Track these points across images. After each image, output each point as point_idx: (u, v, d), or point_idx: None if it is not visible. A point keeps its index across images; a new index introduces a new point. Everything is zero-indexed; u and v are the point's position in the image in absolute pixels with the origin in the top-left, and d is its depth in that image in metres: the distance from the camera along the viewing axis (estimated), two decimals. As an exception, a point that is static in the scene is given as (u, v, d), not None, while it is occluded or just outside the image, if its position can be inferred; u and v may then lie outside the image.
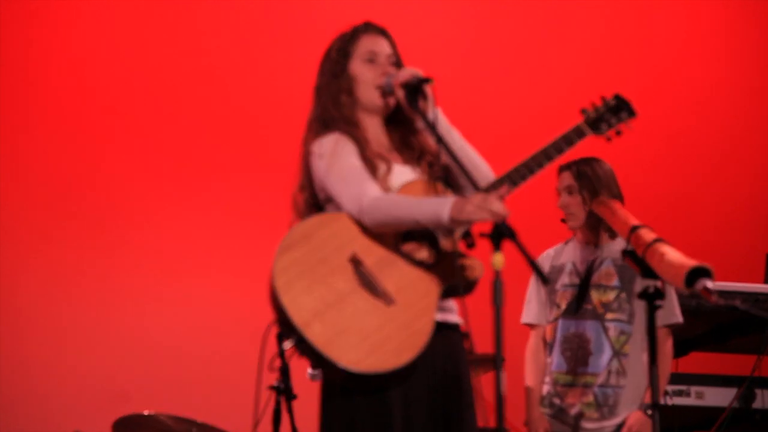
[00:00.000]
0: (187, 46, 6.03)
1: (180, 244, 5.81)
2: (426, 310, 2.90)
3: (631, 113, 3.26)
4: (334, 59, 3.20)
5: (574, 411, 4.21)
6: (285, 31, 6.10)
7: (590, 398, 4.19)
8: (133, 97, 5.93)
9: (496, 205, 2.81)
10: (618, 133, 3.24)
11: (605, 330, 4.23)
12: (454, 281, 2.93)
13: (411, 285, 2.91)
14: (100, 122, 5.88)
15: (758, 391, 4.83)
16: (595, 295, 4.26)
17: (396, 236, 2.95)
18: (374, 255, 2.92)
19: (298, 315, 2.83)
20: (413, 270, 2.93)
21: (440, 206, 2.87)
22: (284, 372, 4.19)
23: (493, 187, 2.96)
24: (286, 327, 2.87)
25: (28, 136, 5.80)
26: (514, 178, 3.01)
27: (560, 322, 4.29)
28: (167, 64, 6.00)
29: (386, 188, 3.02)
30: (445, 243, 2.96)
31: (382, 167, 3.06)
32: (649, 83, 6.47)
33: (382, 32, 3.23)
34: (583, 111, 3.21)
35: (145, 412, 4.38)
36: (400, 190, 3.02)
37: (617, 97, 3.25)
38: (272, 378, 4.21)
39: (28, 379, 5.53)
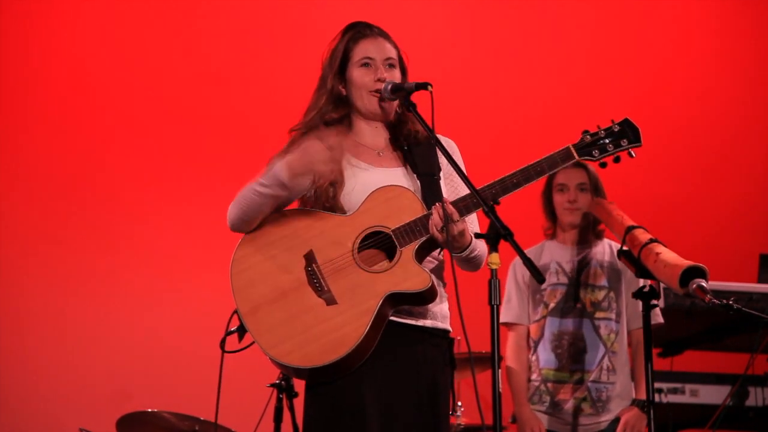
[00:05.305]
0: (188, 46, 6.07)
1: (182, 244, 5.85)
2: (364, 313, 2.92)
3: (636, 141, 3.04)
4: (330, 62, 3.17)
5: (568, 406, 4.26)
6: (285, 31, 6.12)
7: (584, 393, 4.24)
8: (133, 97, 5.96)
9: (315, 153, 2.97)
10: (616, 160, 3.05)
11: (596, 328, 4.28)
12: (402, 289, 2.93)
13: (356, 288, 2.94)
14: (101, 122, 5.92)
15: (752, 389, 4.88)
16: (584, 295, 4.31)
17: (354, 241, 2.98)
18: (328, 256, 2.98)
19: (242, 303, 2.98)
20: (362, 274, 2.96)
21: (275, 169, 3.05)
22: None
23: (462, 200, 2.93)
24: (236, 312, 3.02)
25: (28, 137, 5.84)
26: (488, 194, 2.93)
27: (548, 320, 4.33)
28: (168, 64, 6.04)
29: (341, 203, 3.04)
30: (404, 252, 2.95)
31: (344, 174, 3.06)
32: (645, 83, 6.51)
33: (383, 34, 3.18)
34: (584, 133, 3.06)
35: (149, 410, 4.44)
36: (371, 193, 3.01)
37: (624, 123, 3.06)
38: (274, 376, 4.25)
39: (32, 379, 5.57)
